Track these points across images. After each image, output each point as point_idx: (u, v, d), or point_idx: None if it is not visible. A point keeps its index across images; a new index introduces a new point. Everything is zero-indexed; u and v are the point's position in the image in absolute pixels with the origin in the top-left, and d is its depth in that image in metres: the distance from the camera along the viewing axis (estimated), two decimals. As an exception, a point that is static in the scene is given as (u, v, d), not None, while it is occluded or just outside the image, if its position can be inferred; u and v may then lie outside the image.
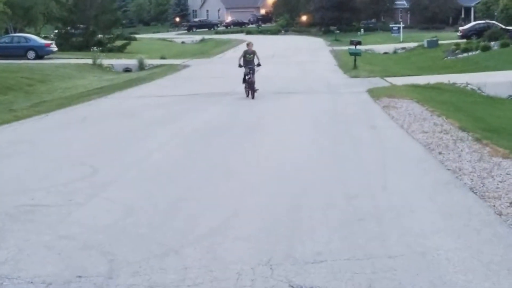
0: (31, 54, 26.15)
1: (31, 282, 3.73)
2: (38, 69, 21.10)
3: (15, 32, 32.79)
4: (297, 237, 4.26)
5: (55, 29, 36.03)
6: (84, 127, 10.10)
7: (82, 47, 32.19)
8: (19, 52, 26.21)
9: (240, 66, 12.75)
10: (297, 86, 15.50)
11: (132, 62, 25.14)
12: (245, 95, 12.75)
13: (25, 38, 28.20)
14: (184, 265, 3.89)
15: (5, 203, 5.44)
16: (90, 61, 24.42)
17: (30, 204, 5.43)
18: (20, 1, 31.71)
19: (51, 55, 26.95)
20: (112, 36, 35.28)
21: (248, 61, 12.67)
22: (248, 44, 13.31)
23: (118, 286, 3.64)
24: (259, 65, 12.89)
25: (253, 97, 12.38)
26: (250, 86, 12.46)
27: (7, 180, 6.41)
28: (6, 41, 27.73)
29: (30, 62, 24.22)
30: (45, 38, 32.62)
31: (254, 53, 12.81)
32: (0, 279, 3.78)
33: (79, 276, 3.74)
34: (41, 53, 26.51)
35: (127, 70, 24.08)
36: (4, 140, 8.95)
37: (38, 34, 33.53)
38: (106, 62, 24.90)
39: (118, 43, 34.39)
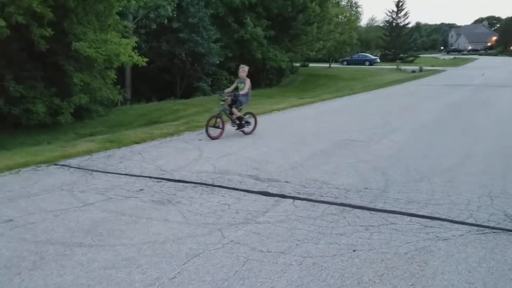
0: (367, 63, 53.79)
1: (337, 188, 5.67)
2: (370, 70, 44.40)
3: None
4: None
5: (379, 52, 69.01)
6: (384, 100, 16.05)
7: (392, 60, 60.19)
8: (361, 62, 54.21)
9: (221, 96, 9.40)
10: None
11: (416, 67, 44.61)
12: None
13: (365, 55, 59.17)
14: (432, 188, 5.64)
15: (335, 138, 9.04)
16: (394, 67, 46.85)
17: (348, 139, 8.98)
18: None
19: (377, 64, 54.00)
20: (408, 55, 64.37)
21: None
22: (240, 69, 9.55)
23: (388, 198, 5.25)
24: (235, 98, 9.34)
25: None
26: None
27: (338, 126, 10.77)
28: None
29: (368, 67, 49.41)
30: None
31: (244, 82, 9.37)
32: (320, 183, 5.89)
33: (366, 188, 5.66)
34: (372, 63, 54.07)
35: (413, 71, 40.65)
36: (342, 104, 15.78)
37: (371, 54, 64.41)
38: (402, 67, 45.78)
39: (410, 58, 62.79)
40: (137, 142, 8.70)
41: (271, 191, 5.57)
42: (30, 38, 11.57)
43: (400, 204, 5.07)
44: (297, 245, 4.01)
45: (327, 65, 48.51)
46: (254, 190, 5.64)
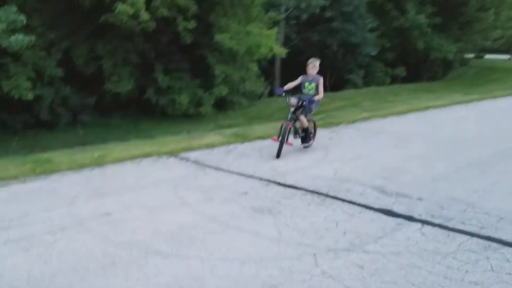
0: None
1: (487, 213, 4.33)
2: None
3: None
4: None
5: None
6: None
7: None
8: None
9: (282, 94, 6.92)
10: None
11: None
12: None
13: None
14: None
15: (499, 146, 7.44)
16: None
17: None
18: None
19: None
20: None
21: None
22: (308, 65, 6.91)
23: None
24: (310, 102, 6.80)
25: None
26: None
27: (507, 130, 9.01)
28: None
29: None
30: None
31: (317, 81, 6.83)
32: (465, 205, 4.54)
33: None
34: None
35: None
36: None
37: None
38: None
39: None
40: (262, 138, 8.24)
41: (395, 210, 4.49)
42: (177, 31, 12.12)
43: None
44: (409, 293, 2.97)
45: (507, 56, 41.89)
46: (375, 206, 4.61)
